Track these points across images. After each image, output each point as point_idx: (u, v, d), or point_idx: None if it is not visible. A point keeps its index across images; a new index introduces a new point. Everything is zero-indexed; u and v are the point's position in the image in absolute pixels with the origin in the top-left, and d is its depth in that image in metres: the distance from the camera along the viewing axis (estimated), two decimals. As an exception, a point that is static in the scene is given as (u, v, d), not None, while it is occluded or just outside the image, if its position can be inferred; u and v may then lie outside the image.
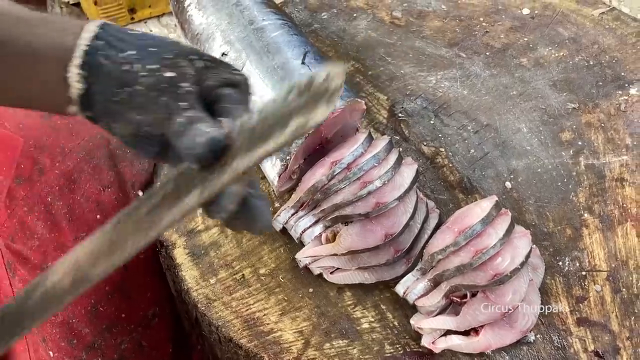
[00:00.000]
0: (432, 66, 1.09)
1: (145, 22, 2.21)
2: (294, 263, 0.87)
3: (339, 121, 0.92)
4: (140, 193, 1.02)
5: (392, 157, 0.85)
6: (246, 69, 0.91)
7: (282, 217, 0.89)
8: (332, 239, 0.86)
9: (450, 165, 0.96)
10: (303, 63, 0.90)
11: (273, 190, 0.94)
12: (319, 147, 0.94)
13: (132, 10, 2.17)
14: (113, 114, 0.55)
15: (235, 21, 0.96)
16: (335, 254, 0.84)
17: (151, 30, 2.20)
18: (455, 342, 0.77)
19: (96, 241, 0.53)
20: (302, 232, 0.87)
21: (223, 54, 0.94)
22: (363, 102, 0.91)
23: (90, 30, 0.54)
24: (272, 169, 0.91)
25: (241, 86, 0.57)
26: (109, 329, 0.99)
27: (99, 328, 0.98)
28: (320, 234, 0.87)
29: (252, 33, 0.94)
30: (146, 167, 1.04)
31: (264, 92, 0.89)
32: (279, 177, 0.90)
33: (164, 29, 2.20)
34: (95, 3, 2.08)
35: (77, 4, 2.20)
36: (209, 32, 0.98)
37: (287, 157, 0.89)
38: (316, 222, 0.87)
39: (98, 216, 0.99)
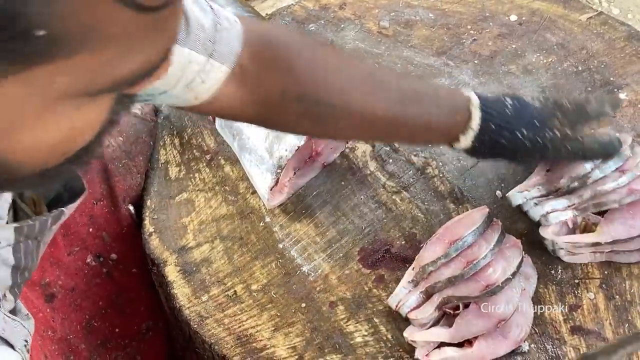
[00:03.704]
0: (421, 75, 1.09)
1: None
2: (286, 278, 0.86)
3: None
4: (131, 207, 1.02)
5: None
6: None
7: None
8: None
9: (441, 175, 0.95)
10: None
11: (264, 205, 0.93)
12: (309, 160, 0.94)
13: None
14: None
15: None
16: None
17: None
18: (449, 354, 0.76)
19: None
20: None
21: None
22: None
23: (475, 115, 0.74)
24: (263, 182, 0.90)
25: None
26: (103, 345, 0.99)
27: (94, 344, 0.98)
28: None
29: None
30: (138, 181, 1.03)
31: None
32: (270, 190, 0.90)
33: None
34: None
35: None
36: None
37: (278, 171, 0.89)
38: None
39: (90, 229, 0.99)
